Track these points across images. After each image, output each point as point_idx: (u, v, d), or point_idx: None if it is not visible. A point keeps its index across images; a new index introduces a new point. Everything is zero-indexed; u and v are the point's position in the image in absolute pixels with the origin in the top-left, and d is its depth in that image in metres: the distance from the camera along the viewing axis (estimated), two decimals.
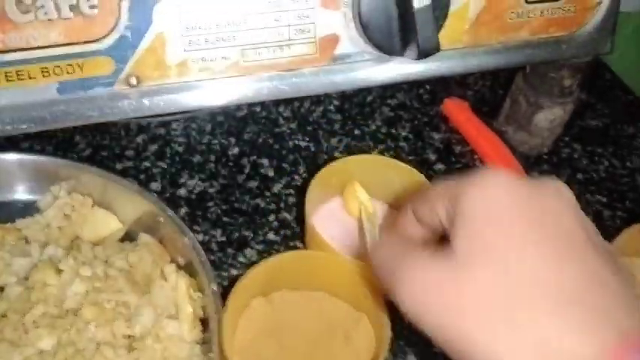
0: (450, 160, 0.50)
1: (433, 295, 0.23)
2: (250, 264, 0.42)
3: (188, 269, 0.37)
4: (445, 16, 0.35)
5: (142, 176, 0.46)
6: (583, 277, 0.21)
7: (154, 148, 0.49)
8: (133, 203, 0.40)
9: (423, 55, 0.32)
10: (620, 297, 0.21)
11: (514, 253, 0.21)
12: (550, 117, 0.48)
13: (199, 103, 0.35)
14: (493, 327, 0.21)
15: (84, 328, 0.33)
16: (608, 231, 0.45)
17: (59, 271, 0.35)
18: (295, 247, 0.43)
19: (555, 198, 0.23)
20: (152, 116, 0.50)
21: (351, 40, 0.36)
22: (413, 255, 0.24)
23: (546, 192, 0.23)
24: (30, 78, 0.32)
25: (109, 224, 0.41)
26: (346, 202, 0.40)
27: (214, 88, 0.35)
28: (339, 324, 0.34)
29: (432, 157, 0.50)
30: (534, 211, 0.22)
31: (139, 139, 0.49)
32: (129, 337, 0.34)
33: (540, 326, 0.20)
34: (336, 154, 0.50)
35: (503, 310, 0.21)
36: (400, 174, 0.40)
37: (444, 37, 0.35)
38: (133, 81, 0.33)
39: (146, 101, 0.34)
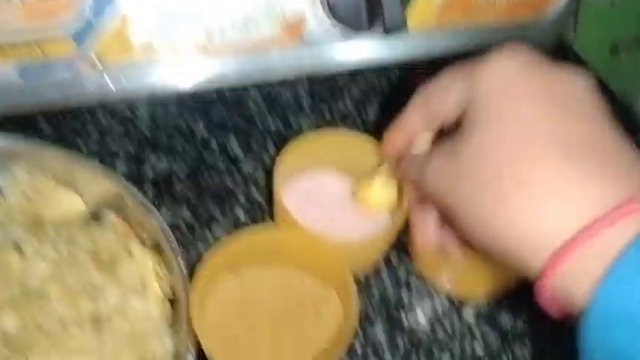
0: None
1: (440, 172, 0.24)
2: None
3: (155, 248, 0.37)
4: None
5: (108, 156, 0.45)
6: (592, 138, 0.21)
7: (119, 128, 0.48)
8: (98, 183, 0.39)
9: (390, 30, 0.33)
10: (627, 162, 0.21)
11: (516, 119, 0.22)
12: None
13: (165, 85, 0.35)
14: (487, 186, 0.21)
15: (49, 309, 0.32)
16: None
17: (22, 252, 0.34)
18: None
19: (571, 78, 0.24)
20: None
21: (317, 20, 0.36)
22: (428, 159, 0.25)
23: (562, 72, 0.24)
24: None
25: (73, 205, 0.40)
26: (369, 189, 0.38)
27: (180, 70, 0.35)
28: (308, 300, 0.34)
29: None
30: (545, 86, 0.23)
31: (104, 120, 0.48)
32: (96, 316, 0.33)
33: (544, 180, 0.20)
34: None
35: (499, 169, 0.21)
36: (371, 149, 0.40)
37: (412, 18, 0.36)
38: (97, 63, 0.32)
39: (110, 83, 0.33)
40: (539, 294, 0.21)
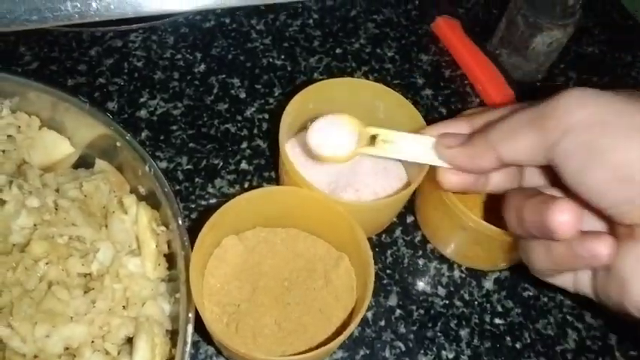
0: (439, 84, 0.46)
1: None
2: (221, 195, 0.38)
3: (150, 200, 0.33)
4: None
5: (97, 94, 0.42)
6: None
7: (109, 62, 0.43)
8: (87, 125, 0.35)
9: None
10: None
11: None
12: (548, 40, 0.44)
13: (157, 7, 0.30)
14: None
15: (32, 267, 0.29)
16: None
17: (2, 202, 0.31)
18: (269, 178, 0.39)
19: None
20: (107, 25, 0.44)
21: None
22: None
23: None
24: None
25: (60, 148, 0.37)
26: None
27: None
28: (317, 264, 0.32)
29: (420, 81, 0.46)
30: None
31: (93, 52, 0.44)
32: (85, 275, 0.31)
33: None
34: (315, 74, 0.45)
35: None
36: (385, 99, 0.36)
37: None
38: None
39: (94, 4, 0.29)
40: None
